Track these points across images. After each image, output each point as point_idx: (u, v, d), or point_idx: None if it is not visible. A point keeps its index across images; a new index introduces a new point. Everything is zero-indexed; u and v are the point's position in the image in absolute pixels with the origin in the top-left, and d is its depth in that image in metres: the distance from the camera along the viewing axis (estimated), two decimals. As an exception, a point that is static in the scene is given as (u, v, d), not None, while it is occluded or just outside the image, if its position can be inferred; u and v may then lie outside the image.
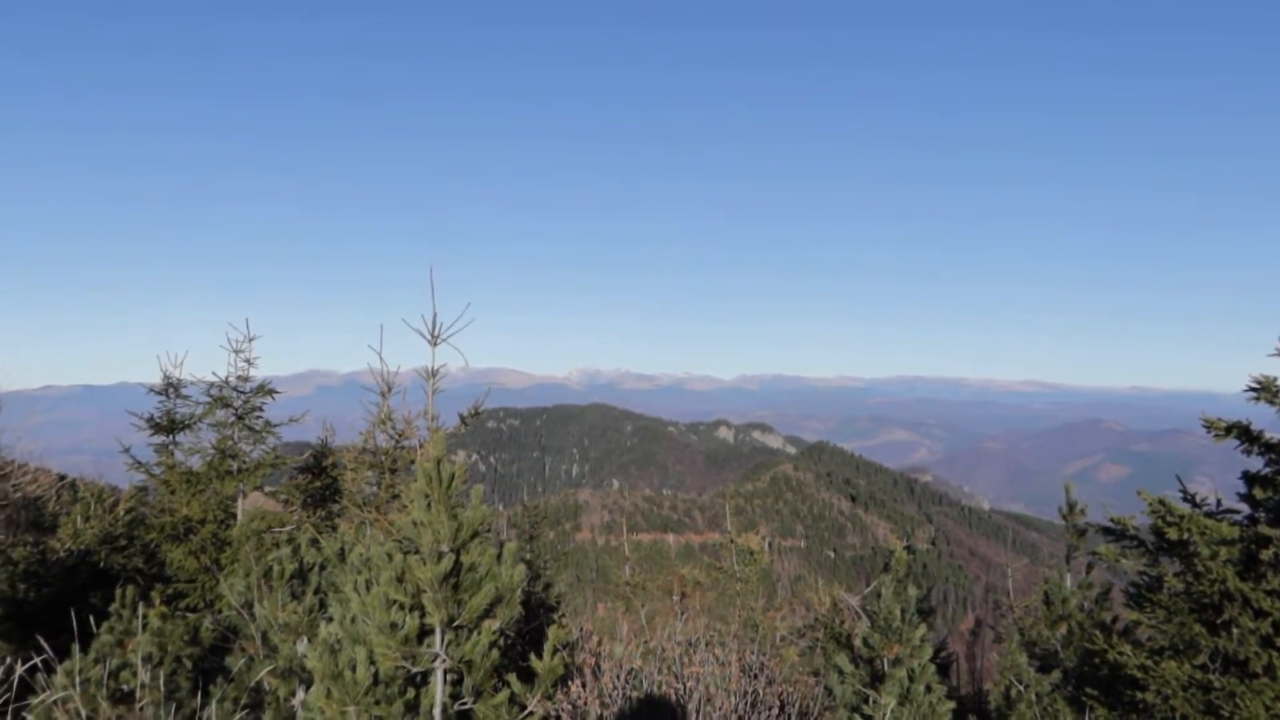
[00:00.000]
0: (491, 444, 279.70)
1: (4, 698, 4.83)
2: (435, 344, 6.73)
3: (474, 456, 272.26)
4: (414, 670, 4.20)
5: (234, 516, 9.12)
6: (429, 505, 4.37)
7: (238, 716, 4.75)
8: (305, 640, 5.11)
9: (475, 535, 4.41)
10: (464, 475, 4.63)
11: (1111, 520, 5.65)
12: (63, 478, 11.18)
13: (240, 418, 9.28)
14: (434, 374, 6.90)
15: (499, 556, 4.51)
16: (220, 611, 7.25)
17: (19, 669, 4.56)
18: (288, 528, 8.46)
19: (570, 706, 5.12)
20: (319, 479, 9.80)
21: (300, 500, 9.55)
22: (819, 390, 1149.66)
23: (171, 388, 9.50)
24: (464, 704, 4.29)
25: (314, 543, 6.23)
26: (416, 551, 4.29)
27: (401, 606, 4.20)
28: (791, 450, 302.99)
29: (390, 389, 9.20)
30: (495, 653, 4.29)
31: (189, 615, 6.03)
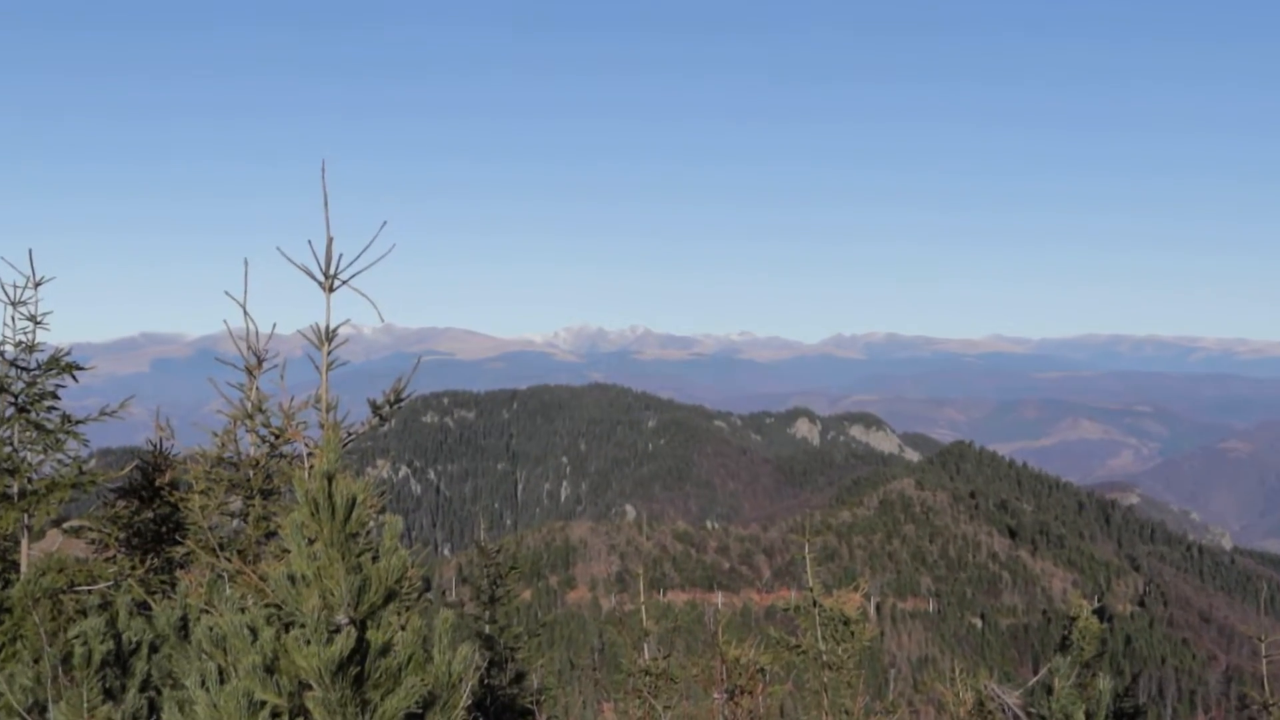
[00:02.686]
0: (430, 449, 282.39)
1: None
2: (331, 287, 6.58)
3: (400, 469, 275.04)
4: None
5: (14, 568, 9.03)
6: (316, 550, 4.33)
7: None
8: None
9: (391, 598, 4.29)
10: (373, 501, 4.60)
11: None
12: None
13: (22, 410, 8.92)
14: (329, 337, 6.82)
15: (431, 631, 4.42)
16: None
17: None
18: (100, 586, 8.39)
19: None
20: (149, 507, 9.78)
21: (121, 542, 9.56)
22: (957, 360, 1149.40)
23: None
24: None
25: (141, 609, 6.21)
26: (298, 624, 4.19)
27: (275, 715, 4.08)
28: (913, 456, 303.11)
29: (261, 362, 9.27)
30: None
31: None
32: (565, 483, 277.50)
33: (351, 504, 4.45)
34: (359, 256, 6.47)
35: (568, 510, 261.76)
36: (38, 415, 9.04)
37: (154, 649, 5.60)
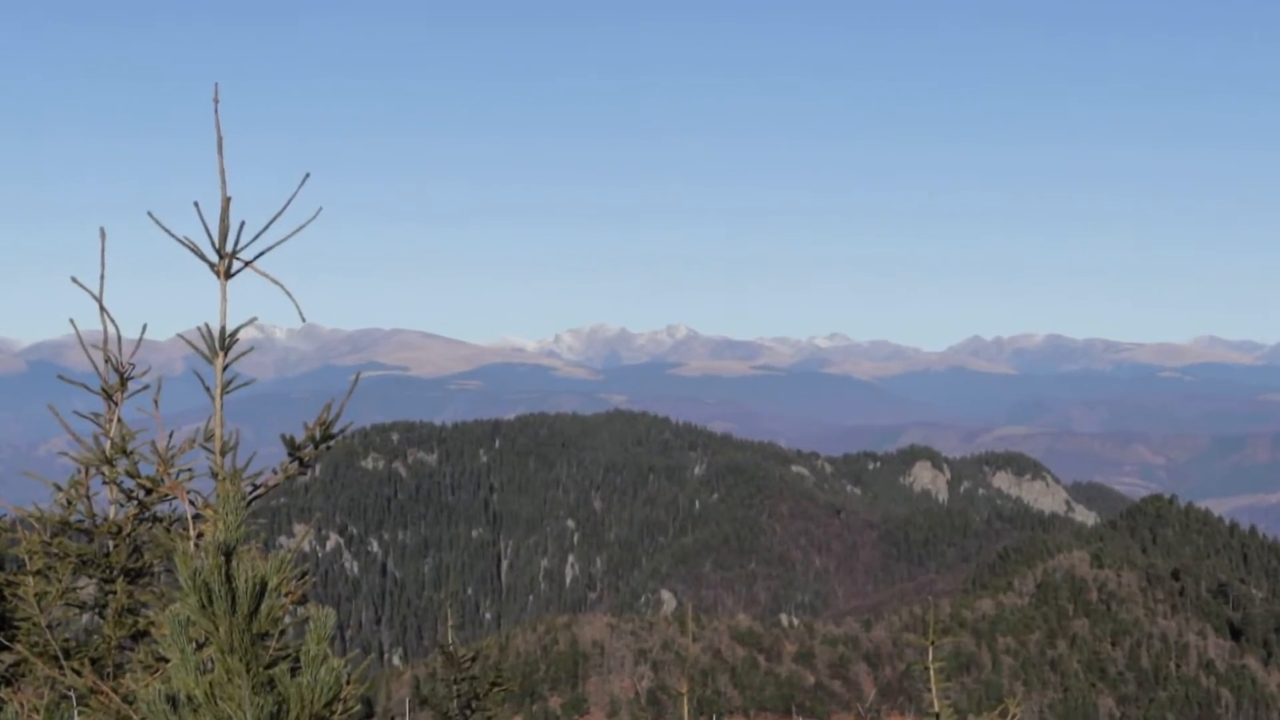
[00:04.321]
0: (373, 509, 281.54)
1: None
2: (228, 270, 6.81)
3: (330, 538, 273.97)
4: None
5: None
6: (209, 658, 4.40)
7: None
8: None
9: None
10: (292, 586, 4.59)
11: None
12: None
13: None
14: (225, 344, 6.91)
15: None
16: None
17: None
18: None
19: None
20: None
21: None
22: (1152, 376, 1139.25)
23: None
24: None
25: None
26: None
27: None
28: (1086, 517, 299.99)
29: (126, 381, 9.28)
30: None
31: None
32: (572, 557, 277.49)
33: (259, 591, 4.45)
34: (269, 226, 6.64)
35: (576, 598, 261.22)
36: None
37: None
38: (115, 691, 7.05)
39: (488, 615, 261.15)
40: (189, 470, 8.60)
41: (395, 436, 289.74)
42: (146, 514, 9.15)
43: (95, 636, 8.78)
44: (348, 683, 4.74)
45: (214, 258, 6.72)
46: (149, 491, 8.95)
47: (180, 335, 6.82)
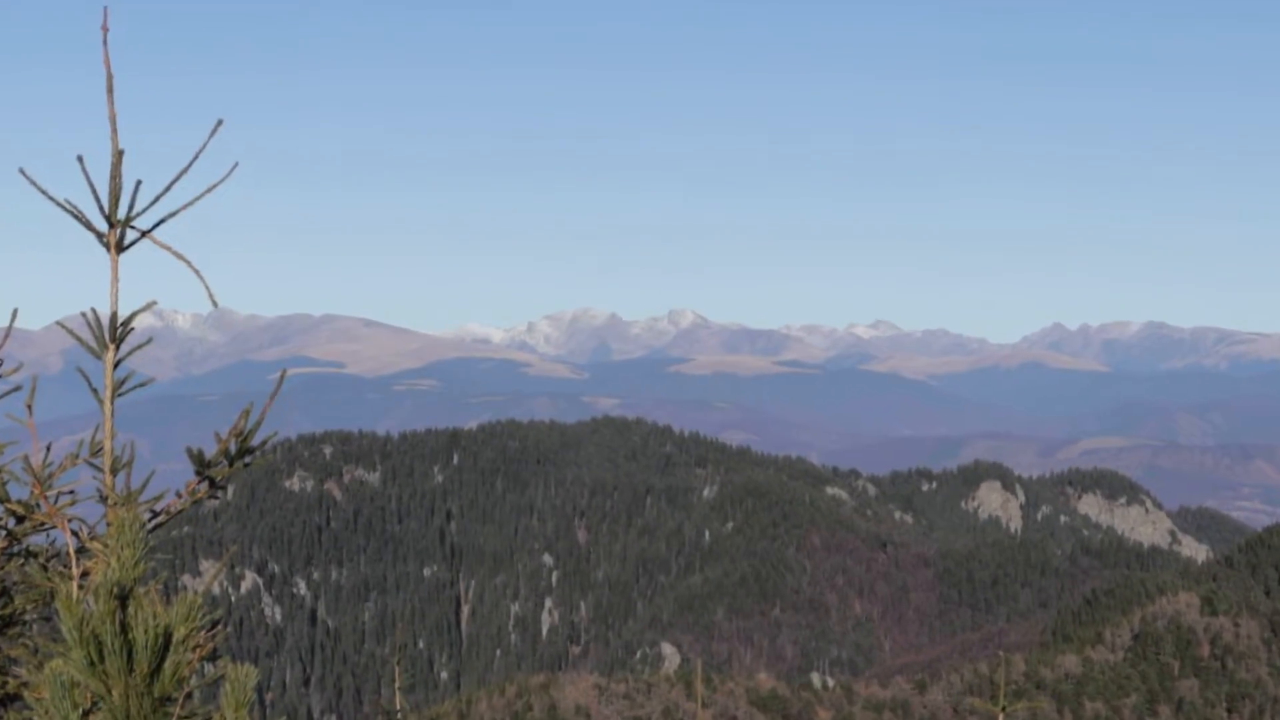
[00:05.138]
0: (301, 540, 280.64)
1: None
2: (120, 240, 6.79)
3: (246, 577, 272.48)
4: None
5: None
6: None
7: None
8: None
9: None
10: (201, 638, 4.61)
11: None
12: None
13: None
14: (117, 334, 6.92)
15: None
16: None
17: None
18: None
19: None
20: None
21: None
22: (1275, 374, 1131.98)
23: None
24: None
25: None
26: None
27: None
28: (1196, 550, 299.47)
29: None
30: None
31: None
32: (550, 601, 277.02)
33: (162, 644, 4.45)
34: (172, 186, 6.58)
35: (555, 652, 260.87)
36: None
37: None
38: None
39: (444, 674, 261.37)
40: (70, 493, 8.48)
41: (328, 450, 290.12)
42: (17, 547, 9.07)
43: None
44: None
45: (102, 226, 6.66)
46: (20, 520, 8.83)
47: (59, 323, 6.80)
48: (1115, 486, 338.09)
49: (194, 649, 4.70)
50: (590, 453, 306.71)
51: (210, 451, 8.15)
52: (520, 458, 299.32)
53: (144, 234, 6.69)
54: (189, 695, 4.64)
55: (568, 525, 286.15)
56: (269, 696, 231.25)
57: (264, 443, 8.17)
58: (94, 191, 6.61)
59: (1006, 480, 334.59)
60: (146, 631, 4.46)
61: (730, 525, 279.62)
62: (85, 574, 7.02)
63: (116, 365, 6.86)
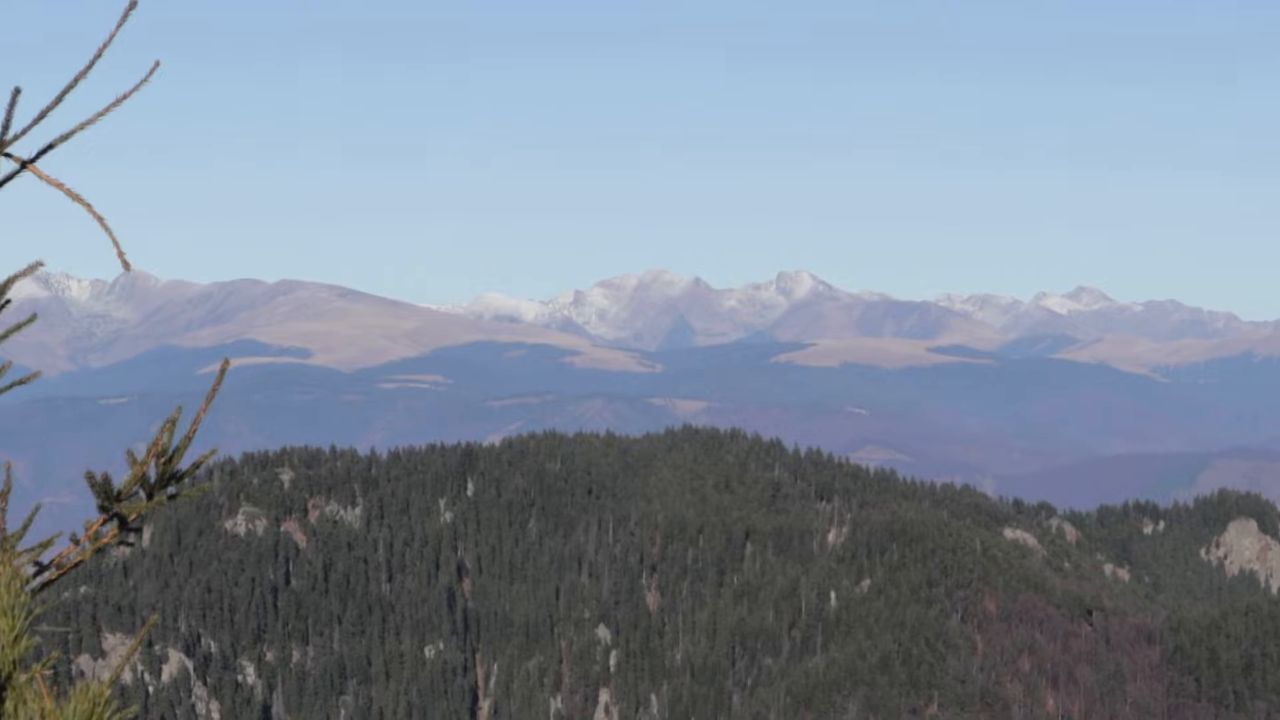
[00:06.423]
0: (244, 606, 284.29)
1: None
2: None
3: (169, 658, 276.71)
4: None
5: None
6: None
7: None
8: None
9: None
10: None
11: None
12: None
13: None
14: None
15: None
16: None
17: None
18: None
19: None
20: None
21: None
22: None
23: None
24: None
25: None
26: None
27: None
28: None
29: None
30: None
31: None
32: (605, 695, 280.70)
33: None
34: (61, 99, 6.38)
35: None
36: None
37: None
38: None
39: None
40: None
41: (287, 476, 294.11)
42: None
43: None
44: None
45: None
46: None
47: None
48: None
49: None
50: (664, 479, 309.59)
51: (120, 478, 8.15)
52: (563, 487, 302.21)
53: (24, 164, 6.33)
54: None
55: (632, 584, 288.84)
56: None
57: (196, 465, 8.23)
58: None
59: (1266, 518, 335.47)
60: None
61: (867, 584, 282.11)
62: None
63: (-11, 355, 6.63)
